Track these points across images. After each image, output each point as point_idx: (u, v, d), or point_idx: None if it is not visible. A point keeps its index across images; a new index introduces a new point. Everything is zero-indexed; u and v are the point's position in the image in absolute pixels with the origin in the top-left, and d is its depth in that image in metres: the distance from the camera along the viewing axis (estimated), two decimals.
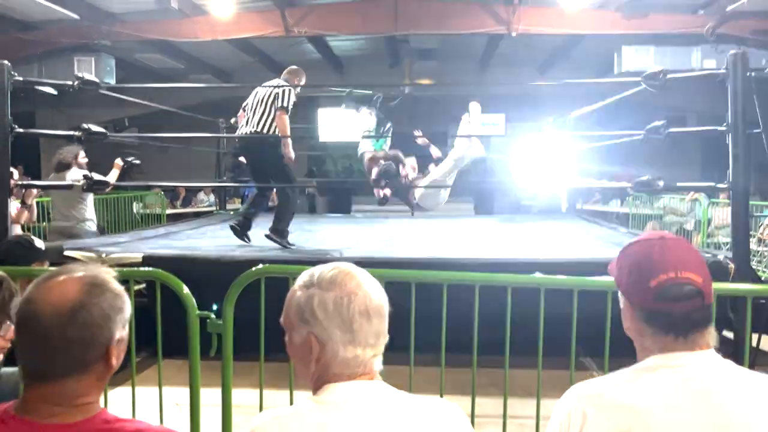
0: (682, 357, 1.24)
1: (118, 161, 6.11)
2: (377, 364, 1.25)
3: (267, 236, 5.10)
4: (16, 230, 4.88)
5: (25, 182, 4.99)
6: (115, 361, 1.18)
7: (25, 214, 5.04)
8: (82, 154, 6.03)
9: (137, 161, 6.28)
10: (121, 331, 1.19)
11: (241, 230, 5.31)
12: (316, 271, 1.26)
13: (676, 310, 1.23)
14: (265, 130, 5.10)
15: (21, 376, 1.15)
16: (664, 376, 1.22)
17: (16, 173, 4.69)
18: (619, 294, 1.34)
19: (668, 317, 1.24)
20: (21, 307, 1.15)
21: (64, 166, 5.91)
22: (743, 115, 3.89)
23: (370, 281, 1.27)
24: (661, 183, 4.15)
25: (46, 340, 1.11)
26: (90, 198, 6.10)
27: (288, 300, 1.26)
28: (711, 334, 1.26)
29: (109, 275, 1.22)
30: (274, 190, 5.76)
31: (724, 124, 3.98)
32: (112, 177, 5.97)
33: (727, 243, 7.25)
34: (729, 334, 3.24)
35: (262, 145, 5.19)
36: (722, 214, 8.18)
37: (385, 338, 1.25)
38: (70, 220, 5.98)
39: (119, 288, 1.21)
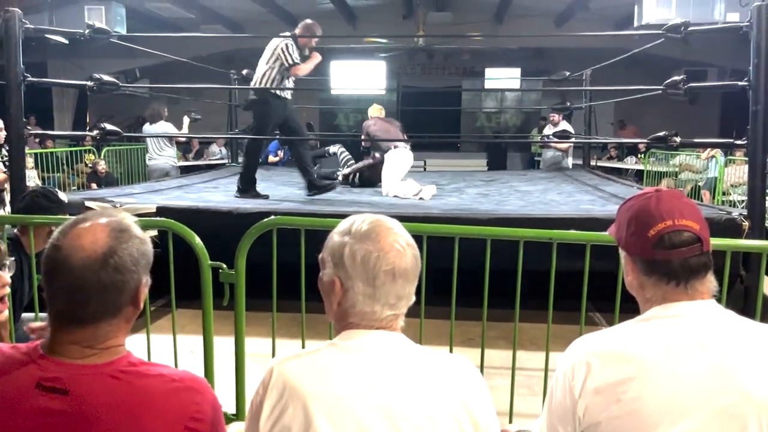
0: (683, 306, 1.25)
1: (186, 117, 7.72)
2: (399, 321, 1.26)
3: (236, 197, 5.22)
4: None
5: (38, 131, 4.99)
6: (141, 304, 1.21)
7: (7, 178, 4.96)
8: (166, 109, 7.65)
9: (198, 116, 7.81)
10: (147, 275, 1.22)
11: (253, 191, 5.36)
12: (357, 220, 1.27)
13: (675, 258, 1.24)
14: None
15: (49, 320, 1.17)
16: (665, 325, 1.23)
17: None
18: (620, 250, 1.35)
19: (668, 265, 1.25)
20: (49, 254, 1.15)
21: (154, 119, 7.51)
22: (766, 70, 3.80)
23: (406, 242, 1.26)
24: (677, 139, 4.09)
25: (80, 286, 1.12)
26: (174, 143, 7.85)
27: (326, 241, 1.29)
28: (711, 283, 1.27)
29: (130, 220, 1.23)
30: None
31: (746, 79, 3.88)
32: (185, 129, 7.78)
33: (743, 201, 7.18)
34: None
35: (259, 101, 5.31)
36: (738, 172, 8.07)
37: (408, 301, 1.26)
38: (165, 160, 7.60)
39: (143, 233, 1.23)
